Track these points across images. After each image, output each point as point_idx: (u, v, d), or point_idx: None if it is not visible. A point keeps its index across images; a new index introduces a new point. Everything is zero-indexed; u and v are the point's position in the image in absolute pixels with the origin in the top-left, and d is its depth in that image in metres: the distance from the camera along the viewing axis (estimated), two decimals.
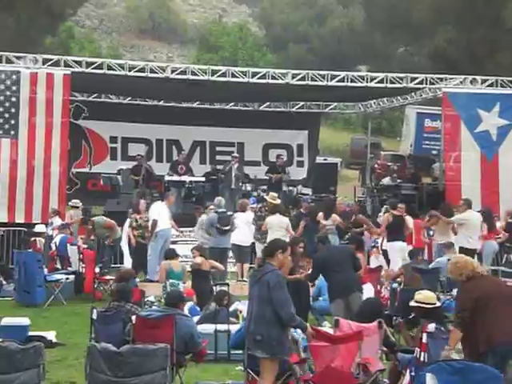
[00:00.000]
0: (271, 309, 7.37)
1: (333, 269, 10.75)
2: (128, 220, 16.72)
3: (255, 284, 7.58)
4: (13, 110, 17.75)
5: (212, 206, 16.70)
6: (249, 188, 21.94)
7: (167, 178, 21.63)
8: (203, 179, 21.82)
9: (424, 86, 20.37)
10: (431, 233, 16.68)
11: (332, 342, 8.03)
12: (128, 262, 16.54)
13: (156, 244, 15.76)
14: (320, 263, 11.04)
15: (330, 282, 10.94)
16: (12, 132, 17.75)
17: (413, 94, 22.32)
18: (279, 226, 15.58)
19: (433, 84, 20.16)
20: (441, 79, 20.14)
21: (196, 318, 10.56)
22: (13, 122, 17.75)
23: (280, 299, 7.36)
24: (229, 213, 15.92)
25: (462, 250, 14.86)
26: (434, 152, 31.82)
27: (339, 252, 11.54)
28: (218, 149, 24.77)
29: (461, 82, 19.85)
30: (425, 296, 8.91)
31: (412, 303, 8.92)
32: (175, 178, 21.36)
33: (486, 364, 6.77)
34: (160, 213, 16.11)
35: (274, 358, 7.48)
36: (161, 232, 15.92)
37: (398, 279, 13.42)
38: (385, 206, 18.26)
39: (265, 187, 21.91)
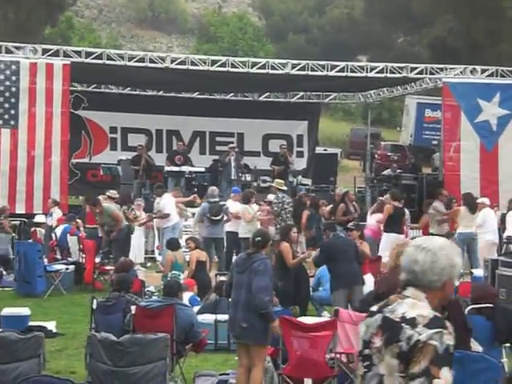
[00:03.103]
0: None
1: (339, 257, 10.85)
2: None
3: (244, 272, 7.68)
4: (12, 100, 17.74)
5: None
6: (248, 178, 21.93)
7: (167, 168, 21.63)
8: (203, 169, 21.82)
9: (424, 75, 20.34)
10: None
11: (305, 331, 8.05)
12: (134, 253, 16.62)
13: (173, 235, 15.77)
14: (329, 250, 11.15)
15: (334, 270, 10.97)
16: (12, 122, 17.74)
17: (413, 83, 22.28)
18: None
19: (433, 74, 20.13)
20: (441, 69, 20.12)
21: (196, 308, 10.58)
22: (13, 112, 17.74)
23: (259, 285, 7.49)
24: (221, 203, 15.90)
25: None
26: (435, 142, 31.80)
27: (346, 242, 11.66)
28: (217, 139, 24.73)
29: (461, 72, 19.82)
30: None
31: None
32: (175, 168, 21.35)
33: None
34: (173, 206, 16.45)
35: (264, 345, 7.69)
36: (176, 225, 16.25)
37: None
38: (384, 196, 18.26)
39: (267, 178, 22.03)
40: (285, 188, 16.77)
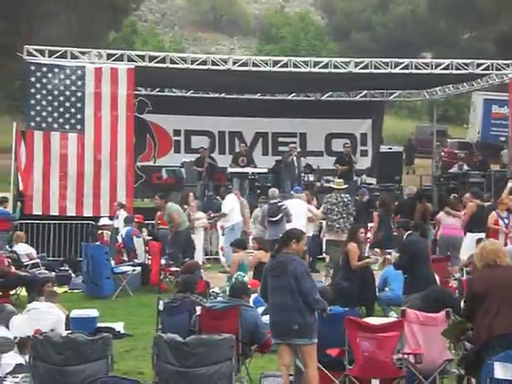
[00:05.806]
0: (302, 298, 7.72)
1: (420, 259, 10.91)
2: None
3: (280, 275, 7.80)
4: (78, 105, 18.01)
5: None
6: (311, 178, 21.82)
7: (230, 169, 21.71)
8: (266, 170, 21.81)
9: (490, 71, 19.92)
10: (506, 221, 16.31)
11: (372, 332, 7.96)
12: (199, 255, 16.74)
13: (234, 236, 15.91)
14: (411, 252, 11.03)
15: (413, 273, 10.89)
16: (78, 127, 18.02)
17: (479, 80, 21.87)
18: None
19: (499, 70, 19.71)
20: (507, 65, 19.67)
21: (261, 309, 10.56)
22: (79, 116, 18.02)
23: (308, 288, 7.77)
24: (279, 203, 15.74)
25: None
26: (503, 138, 31.15)
27: (425, 244, 11.71)
28: (280, 140, 24.68)
29: None
30: None
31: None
32: (238, 169, 21.41)
33: (487, 354, 6.67)
34: (234, 207, 16.83)
35: (314, 343, 7.79)
36: (237, 225, 16.62)
37: (467, 268, 13.21)
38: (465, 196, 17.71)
39: (330, 177, 21.81)
40: (341, 187, 15.90)
